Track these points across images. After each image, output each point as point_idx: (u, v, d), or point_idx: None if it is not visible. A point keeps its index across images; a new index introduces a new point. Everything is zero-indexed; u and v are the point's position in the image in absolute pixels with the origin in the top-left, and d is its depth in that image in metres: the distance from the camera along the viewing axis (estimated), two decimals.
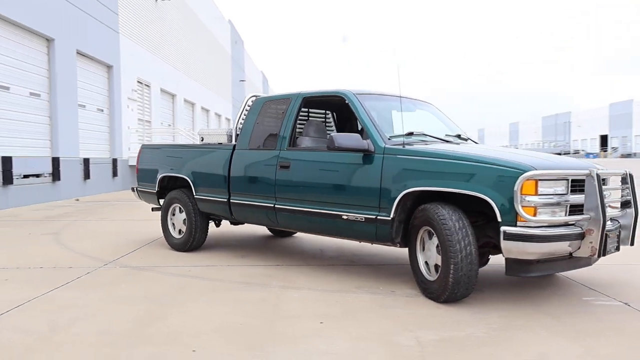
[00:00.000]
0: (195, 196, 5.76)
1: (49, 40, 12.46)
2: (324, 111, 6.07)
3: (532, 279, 4.61)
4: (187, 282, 4.57)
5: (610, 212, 3.92)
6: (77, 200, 12.86)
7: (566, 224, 3.64)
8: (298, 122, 5.21)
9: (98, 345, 3.01)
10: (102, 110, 15.61)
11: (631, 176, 4.18)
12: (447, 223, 3.68)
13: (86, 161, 13.98)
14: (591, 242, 3.59)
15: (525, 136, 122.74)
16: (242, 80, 37.69)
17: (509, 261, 3.66)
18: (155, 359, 2.83)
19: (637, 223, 4.15)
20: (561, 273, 4.82)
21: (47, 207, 11.12)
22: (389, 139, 4.30)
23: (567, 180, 3.64)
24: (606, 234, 3.72)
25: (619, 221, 4.13)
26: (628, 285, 4.47)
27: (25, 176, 11.36)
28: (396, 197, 4.03)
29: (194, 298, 4.04)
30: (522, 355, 2.88)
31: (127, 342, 3.06)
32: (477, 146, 4.67)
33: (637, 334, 3.26)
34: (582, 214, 3.64)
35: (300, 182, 4.74)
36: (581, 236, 3.60)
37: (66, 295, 4.12)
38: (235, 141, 5.57)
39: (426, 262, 4.02)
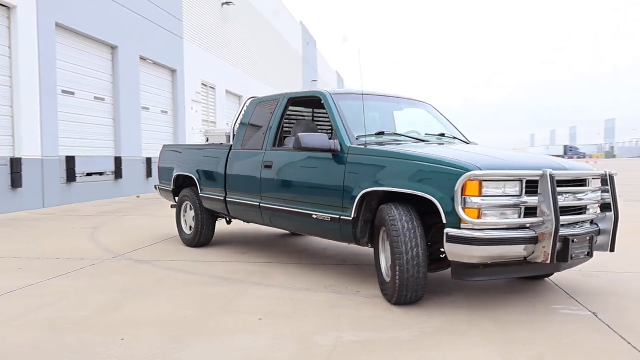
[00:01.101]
0: (200, 194, 6.02)
1: (112, 47, 13.38)
2: (322, 111, 6.12)
3: (515, 283, 4.41)
4: (171, 275, 4.81)
5: (578, 216, 3.69)
6: (138, 197, 13.70)
7: (522, 227, 3.47)
8: (286, 122, 5.30)
9: (42, 330, 3.29)
10: (165, 112, 16.49)
11: (611, 177, 3.89)
12: (396, 224, 3.63)
13: (148, 160, 14.84)
14: (544, 247, 3.40)
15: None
16: (314, 80, 38.17)
17: (454, 264, 3.54)
18: (82, 344, 3.05)
19: (618, 227, 3.86)
20: (551, 278, 4.57)
21: (106, 202, 11.96)
22: (356, 138, 4.29)
23: (521, 180, 3.46)
24: (570, 239, 3.51)
25: (598, 225, 3.87)
26: (614, 294, 4.16)
27: (88, 174, 12.28)
28: (356, 197, 4.02)
29: (163, 291, 4.26)
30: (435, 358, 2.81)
31: (70, 328, 3.32)
32: (447, 146, 4.49)
33: (574, 344, 3.05)
34: (535, 216, 3.45)
35: (280, 182, 4.84)
36: (534, 240, 3.41)
37: (56, 284, 4.48)
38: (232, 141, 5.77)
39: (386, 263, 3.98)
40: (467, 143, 4.93)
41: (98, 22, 12.49)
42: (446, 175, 3.45)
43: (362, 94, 4.65)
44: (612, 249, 3.86)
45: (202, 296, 4.09)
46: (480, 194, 3.35)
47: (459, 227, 3.38)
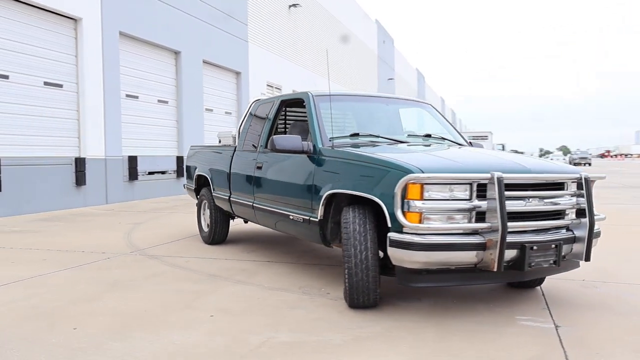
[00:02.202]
0: (213, 193, 6.27)
1: (176, 53, 14.12)
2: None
3: (496, 291, 4.21)
4: (168, 271, 5.07)
5: (538, 222, 3.47)
6: None
7: (475, 232, 3.33)
8: (280, 123, 5.39)
9: (12, 318, 3.61)
10: (230, 113, 17.13)
11: (587, 181, 3.61)
12: (348, 227, 3.60)
13: None
14: (491, 254, 3.24)
15: None
16: (390, 79, 37.81)
17: (398, 269, 3.46)
18: (36, 331, 3.33)
19: (593, 235, 3.58)
20: (543, 287, 4.31)
21: (165, 200, 12.66)
22: (330, 140, 4.30)
23: (471, 184, 3.32)
24: (528, 246, 3.32)
25: (574, 232, 3.61)
26: (598, 308, 3.86)
27: (151, 173, 13.07)
28: (321, 199, 4.03)
29: (148, 285, 4.51)
30: None
31: (37, 316, 3.62)
32: (416, 148, 4.33)
33: (506, 357, 2.89)
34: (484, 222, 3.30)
35: (267, 182, 4.94)
36: (482, 246, 3.26)
37: (60, 275, 4.88)
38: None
39: None
40: (458, 145, 4.75)
41: (161, 29, 13.23)
42: (389, 177, 3.38)
43: (330, 94, 4.63)
44: (587, 259, 3.59)
45: (178, 292, 4.28)
46: (422, 198, 3.25)
47: (401, 232, 3.30)
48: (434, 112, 5.25)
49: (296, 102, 5.04)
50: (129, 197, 12.26)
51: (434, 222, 3.28)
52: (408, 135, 4.71)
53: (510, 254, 3.34)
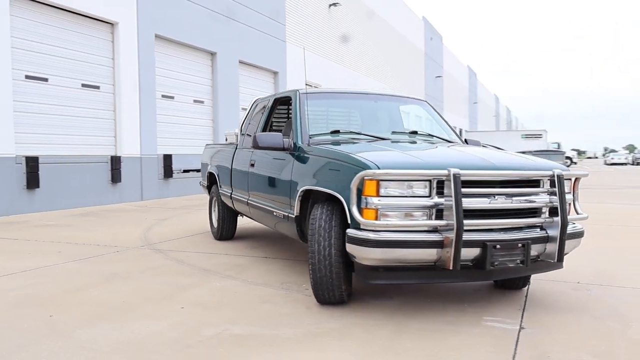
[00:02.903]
0: (219, 190, 6.43)
1: (212, 54, 14.48)
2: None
3: (478, 291, 4.12)
4: (165, 264, 5.24)
5: (506, 220, 3.38)
6: None
7: (435, 230, 3.28)
8: (276, 121, 5.45)
9: (1, 302, 3.86)
10: None
11: (559, 178, 3.48)
12: (314, 223, 3.63)
13: None
14: (447, 252, 3.18)
15: None
16: (438, 77, 37.17)
17: (357, 266, 3.45)
18: (16, 318, 3.55)
19: (565, 236, 3.45)
20: (532, 288, 4.19)
21: (198, 197, 13.01)
22: (310, 137, 4.33)
23: (431, 181, 3.27)
24: (491, 245, 3.25)
25: (547, 232, 3.50)
26: (577, 311, 3.73)
27: (185, 171, 13.46)
28: (296, 195, 4.07)
29: (140, 278, 4.69)
30: (284, 357, 2.83)
31: (24, 304, 3.85)
32: (393, 145, 4.26)
33: (452, 357, 2.84)
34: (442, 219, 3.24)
35: (258, 179, 5.03)
36: (439, 244, 3.21)
37: (66, 267, 5.14)
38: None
39: None
40: (447, 142, 4.66)
41: (197, 31, 13.60)
42: (348, 173, 3.39)
43: (306, 92, 4.64)
44: (559, 260, 3.46)
45: (166, 285, 4.44)
46: (378, 194, 3.23)
47: (359, 228, 3.30)
48: (430, 109, 5.17)
49: (288, 100, 5.09)
50: (164, 194, 12.68)
51: (391, 219, 3.26)
52: (392, 132, 4.67)
53: (472, 252, 3.28)
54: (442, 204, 3.26)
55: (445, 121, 5.06)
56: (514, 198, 3.43)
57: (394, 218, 3.26)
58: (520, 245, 3.34)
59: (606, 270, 4.94)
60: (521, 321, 3.45)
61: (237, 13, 15.15)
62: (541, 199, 3.51)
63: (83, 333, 3.24)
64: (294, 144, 4.34)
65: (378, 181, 3.23)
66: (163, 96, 12.91)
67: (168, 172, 12.77)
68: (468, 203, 3.28)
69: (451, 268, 3.18)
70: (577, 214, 3.82)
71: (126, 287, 4.36)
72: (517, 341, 3.09)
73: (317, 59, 20.12)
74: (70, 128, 10.52)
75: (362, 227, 3.27)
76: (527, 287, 4.26)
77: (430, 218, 3.28)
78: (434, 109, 5.17)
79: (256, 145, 4.42)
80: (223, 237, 6.56)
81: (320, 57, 20.35)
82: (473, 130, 49.82)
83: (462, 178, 3.23)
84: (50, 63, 10.14)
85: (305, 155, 4.11)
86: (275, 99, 5.26)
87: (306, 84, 19.30)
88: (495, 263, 3.29)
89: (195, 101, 14.02)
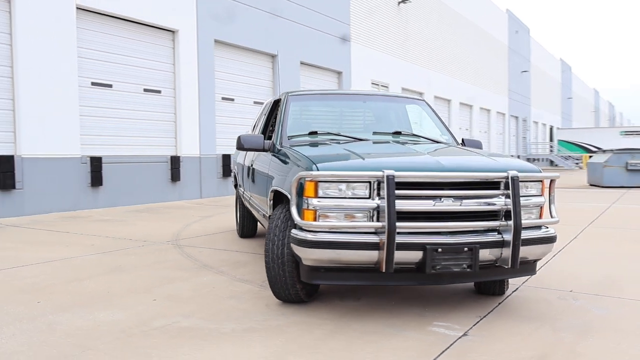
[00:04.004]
0: (238, 189, 6.67)
1: (272, 56, 14.88)
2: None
3: (458, 294, 4.00)
4: (174, 260, 5.55)
5: (450, 223, 3.27)
6: None
7: (377, 232, 3.26)
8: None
9: (6, 288, 4.31)
10: None
11: (514, 181, 3.31)
12: (272, 223, 3.72)
13: None
14: (382, 255, 3.15)
15: None
16: (525, 71, 35.40)
17: (301, 266, 3.48)
18: (9, 302, 3.95)
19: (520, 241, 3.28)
20: (517, 294, 4.01)
21: None
22: (289, 138, 4.41)
23: (370, 182, 3.25)
24: (433, 248, 3.18)
25: (503, 236, 3.35)
26: (541, 320, 3.52)
27: None
28: (268, 195, 4.17)
29: (141, 271, 5.01)
30: (208, 350, 2.96)
31: (26, 290, 4.27)
32: (364, 145, 4.21)
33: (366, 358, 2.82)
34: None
35: (253, 179, 5.18)
36: (375, 246, 3.18)
37: (84, 258, 5.60)
38: None
39: None
40: (435, 142, 4.54)
41: (257, 35, 14.05)
42: (292, 174, 3.44)
43: (294, 94, 4.69)
44: (512, 265, 3.30)
45: (156, 278, 4.72)
46: (316, 195, 3.27)
47: (301, 229, 3.35)
48: (427, 108, 5.06)
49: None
50: (222, 193, 13.24)
51: (330, 220, 3.28)
52: (374, 133, 4.62)
53: (414, 255, 3.22)
54: (376, 206, 3.23)
55: (442, 121, 4.93)
56: (464, 201, 3.31)
57: (333, 219, 3.28)
58: (466, 249, 3.22)
59: (614, 278, 4.60)
60: (470, 328, 3.33)
61: (298, 15, 15.44)
62: (498, 201, 3.37)
63: (52, 318, 3.56)
64: (273, 144, 4.45)
65: (316, 182, 3.26)
66: (223, 98, 13.47)
67: (227, 171, 13.31)
68: (409, 205, 3.23)
69: (384, 270, 3.14)
70: (552, 217, 3.61)
71: (120, 279, 4.69)
72: (447, 348, 3.00)
73: (385, 57, 19.97)
74: (132, 130, 11.30)
75: (303, 227, 3.31)
76: (507, 293, 4.08)
77: (371, 220, 3.26)
78: (431, 108, 5.05)
79: (240, 147, 4.57)
80: (244, 235, 6.79)
81: (388, 56, 20.18)
82: (566, 127, 46.93)
83: (399, 179, 3.18)
84: (115, 70, 10.96)
85: (278, 156, 4.20)
86: (274, 101, 5.39)
87: (372, 83, 19.21)
88: (437, 267, 3.20)
89: (255, 102, 14.47)
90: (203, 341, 3.13)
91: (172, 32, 12.07)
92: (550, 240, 3.54)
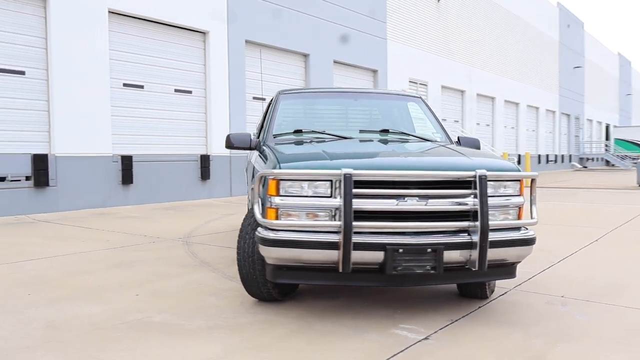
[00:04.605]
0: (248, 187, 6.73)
1: (304, 56, 14.95)
2: None
3: (439, 297, 3.90)
4: (177, 256, 5.67)
5: (413, 224, 3.18)
6: None
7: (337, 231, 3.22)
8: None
9: (8, 281, 4.53)
10: None
11: (481, 179, 3.18)
12: (245, 221, 3.74)
13: None
14: (340, 255, 3.10)
15: None
16: (577, 67, 33.97)
17: (266, 264, 3.47)
18: (3, 294, 4.15)
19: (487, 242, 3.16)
20: (504, 297, 3.87)
21: None
22: (274, 137, 4.42)
23: (332, 181, 3.21)
24: (394, 249, 3.12)
25: (472, 238, 3.24)
26: (514, 326, 3.37)
27: None
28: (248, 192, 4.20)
29: (138, 267, 5.14)
30: (166, 345, 3.01)
31: (24, 283, 4.47)
32: (345, 143, 4.15)
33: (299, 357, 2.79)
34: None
35: (251, 178, 5.21)
36: (334, 245, 3.14)
37: (93, 254, 5.80)
38: None
39: None
40: (425, 140, 4.43)
41: (288, 34, 14.14)
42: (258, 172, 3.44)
43: (285, 92, 4.67)
44: (480, 268, 3.18)
45: (151, 274, 4.84)
46: (278, 194, 3.26)
47: (265, 227, 3.35)
48: (423, 106, 4.94)
49: None
50: None
51: (292, 218, 3.26)
52: (360, 131, 4.55)
53: (375, 256, 3.16)
54: (335, 204, 3.18)
55: (437, 119, 4.81)
56: (431, 200, 3.22)
57: (294, 218, 3.26)
58: (429, 250, 3.13)
59: (618, 284, 4.36)
60: (435, 332, 3.23)
61: (331, 14, 15.42)
62: (469, 201, 3.25)
63: (34, 310, 3.71)
64: (259, 142, 4.47)
65: (278, 180, 3.25)
66: (254, 98, 13.63)
67: None
68: (370, 204, 3.17)
69: (341, 270, 3.10)
70: (532, 218, 3.46)
71: (117, 274, 4.83)
72: (400, 352, 2.92)
73: (423, 54, 19.65)
74: (162, 129, 11.61)
75: (265, 226, 3.31)
76: (493, 296, 3.94)
77: (333, 219, 3.22)
78: (427, 106, 4.93)
79: (229, 145, 4.61)
80: None
81: (426, 53, 19.84)
82: (625, 125, 44.74)
83: (358, 178, 3.12)
84: (146, 72, 11.29)
85: (260, 154, 4.22)
86: (271, 100, 5.41)
87: (410, 81, 18.95)
88: (399, 268, 3.13)
89: None
90: (164, 336, 3.18)
91: (203, 33, 12.31)
92: (527, 242, 3.40)
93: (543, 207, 10.53)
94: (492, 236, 3.27)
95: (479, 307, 3.73)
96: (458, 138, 4.70)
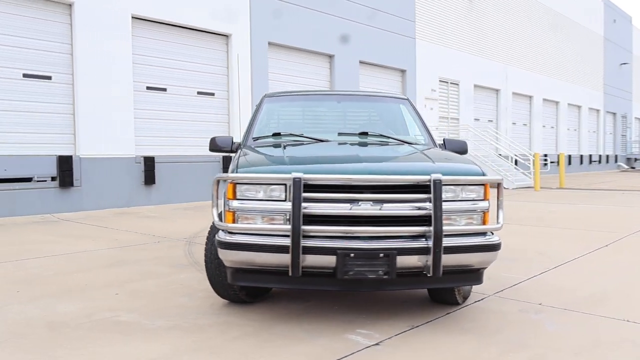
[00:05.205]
0: None
1: (329, 56, 14.95)
2: None
3: (410, 302, 3.85)
4: (174, 256, 5.79)
5: (365, 228, 3.15)
6: None
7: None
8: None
9: (4, 278, 4.74)
10: None
11: (436, 184, 3.12)
12: (213, 224, 3.79)
13: None
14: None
15: None
16: (624, 64, 32.57)
17: (227, 267, 3.50)
18: None
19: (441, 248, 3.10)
20: (480, 304, 3.79)
21: None
22: (254, 139, 4.46)
23: (286, 185, 3.21)
24: (344, 253, 3.10)
25: (428, 243, 3.19)
26: (474, 333, 3.29)
27: None
28: None
29: (137, 266, 5.28)
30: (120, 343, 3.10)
31: (19, 280, 4.67)
32: (319, 146, 4.13)
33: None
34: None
35: None
36: (286, 249, 3.14)
37: (96, 252, 5.99)
38: None
39: None
40: (403, 143, 4.36)
41: (312, 36, 14.18)
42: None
43: (271, 95, 4.68)
44: (434, 273, 3.12)
45: (140, 273, 4.96)
46: (234, 197, 3.29)
47: (224, 231, 3.39)
48: (410, 108, 4.87)
49: None
50: None
51: (248, 222, 3.28)
52: (339, 134, 4.52)
53: (328, 260, 3.15)
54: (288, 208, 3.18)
55: (422, 121, 4.72)
56: (386, 205, 3.18)
57: (249, 221, 3.28)
58: (382, 255, 3.10)
59: (606, 293, 4.19)
60: (389, 338, 3.19)
61: (357, 14, 15.37)
62: (426, 206, 3.19)
63: (14, 307, 3.88)
64: (239, 145, 4.51)
65: (234, 184, 3.29)
66: None
67: None
68: (323, 208, 3.16)
69: (290, 274, 3.10)
70: (497, 223, 3.37)
71: (109, 273, 4.98)
72: (344, 357, 2.90)
73: (454, 53, 19.30)
74: (185, 131, 11.85)
75: (222, 229, 3.35)
76: (468, 302, 3.85)
77: (287, 223, 3.23)
78: (413, 108, 4.85)
79: (212, 148, 4.68)
80: None
81: (458, 51, 19.48)
82: None
83: (308, 182, 3.12)
84: (169, 75, 11.56)
85: (235, 156, 4.26)
86: (259, 101, 5.45)
87: (440, 81, 18.67)
88: (350, 272, 3.11)
89: None
90: (121, 336, 3.27)
91: (226, 36, 12.50)
92: (490, 248, 3.31)
93: (570, 210, 10.18)
94: (451, 241, 3.21)
95: (447, 314, 3.66)
96: (444, 140, 4.62)
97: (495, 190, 3.44)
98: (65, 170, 9.87)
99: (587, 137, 28.93)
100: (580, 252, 5.79)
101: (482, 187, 3.35)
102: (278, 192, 3.23)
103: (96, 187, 10.25)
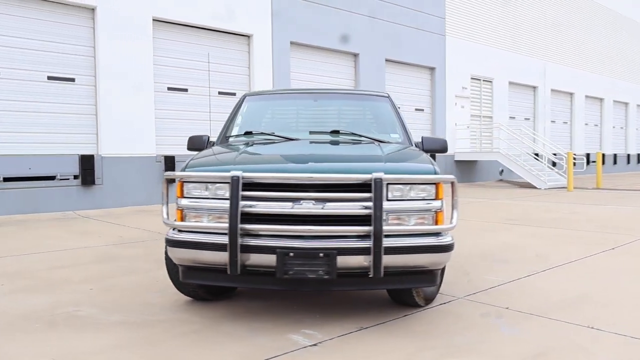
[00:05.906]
0: None
1: (354, 55, 14.87)
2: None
3: (376, 304, 3.78)
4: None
5: (305, 227, 3.11)
6: None
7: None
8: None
9: None
10: (421, 110, 17.01)
11: (376, 183, 3.04)
12: None
13: None
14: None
15: None
16: None
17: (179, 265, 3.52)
18: None
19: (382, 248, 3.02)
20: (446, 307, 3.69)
21: None
22: (227, 138, 4.48)
23: (229, 183, 3.21)
24: (284, 252, 3.08)
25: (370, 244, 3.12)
26: (424, 337, 3.19)
27: None
28: None
29: (126, 262, 5.41)
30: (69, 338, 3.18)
31: (7, 274, 4.87)
32: (290, 145, 4.10)
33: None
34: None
35: None
36: (225, 247, 3.14)
37: (94, 248, 6.18)
38: None
39: None
40: (375, 141, 4.28)
41: (336, 35, 14.13)
42: None
43: (250, 94, 4.67)
44: (375, 274, 3.04)
45: (125, 269, 5.08)
46: (182, 195, 3.32)
47: (172, 228, 3.42)
48: (388, 106, 4.76)
49: None
50: None
51: (195, 219, 3.30)
52: (310, 132, 4.46)
53: (269, 259, 3.13)
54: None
55: (401, 119, 4.62)
56: (328, 204, 3.13)
57: (197, 219, 3.30)
58: (322, 254, 3.05)
59: (584, 299, 3.98)
60: (331, 339, 3.14)
61: (382, 12, 15.21)
62: (369, 205, 3.12)
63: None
64: (213, 144, 4.55)
65: (182, 182, 3.31)
66: None
67: None
68: (264, 207, 3.15)
69: (229, 272, 3.10)
70: (451, 223, 3.26)
71: (94, 269, 5.11)
72: (275, 356, 2.87)
73: (487, 49, 18.81)
74: (205, 131, 12.03)
75: (177, 227, 3.38)
76: (432, 304, 3.74)
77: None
78: (393, 106, 4.75)
79: (189, 147, 4.74)
80: None
81: (492, 48, 18.97)
82: None
83: (247, 180, 3.11)
84: (190, 75, 11.79)
85: None
86: (239, 100, 5.47)
87: (472, 78, 18.25)
88: (290, 272, 3.07)
89: None
90: (70, 330, 3.35)
91: (247, 36, 12.63)
92: (440, 249, 3.21)
93: (595, 212, 9.75)
94: (397, 242, 3.13)
95: (405, 316, 3.57)
96: (422, 138, 4.51)
97: (450, 189, 3.33)
98: (87, 169, 10.22)
99: (634, 136, 27.63)
100: (579, 255, 5.53)
101: (434, 186, 3.25)
102: (223, 190, 3.24)
103: (117, 186, 10.56)
